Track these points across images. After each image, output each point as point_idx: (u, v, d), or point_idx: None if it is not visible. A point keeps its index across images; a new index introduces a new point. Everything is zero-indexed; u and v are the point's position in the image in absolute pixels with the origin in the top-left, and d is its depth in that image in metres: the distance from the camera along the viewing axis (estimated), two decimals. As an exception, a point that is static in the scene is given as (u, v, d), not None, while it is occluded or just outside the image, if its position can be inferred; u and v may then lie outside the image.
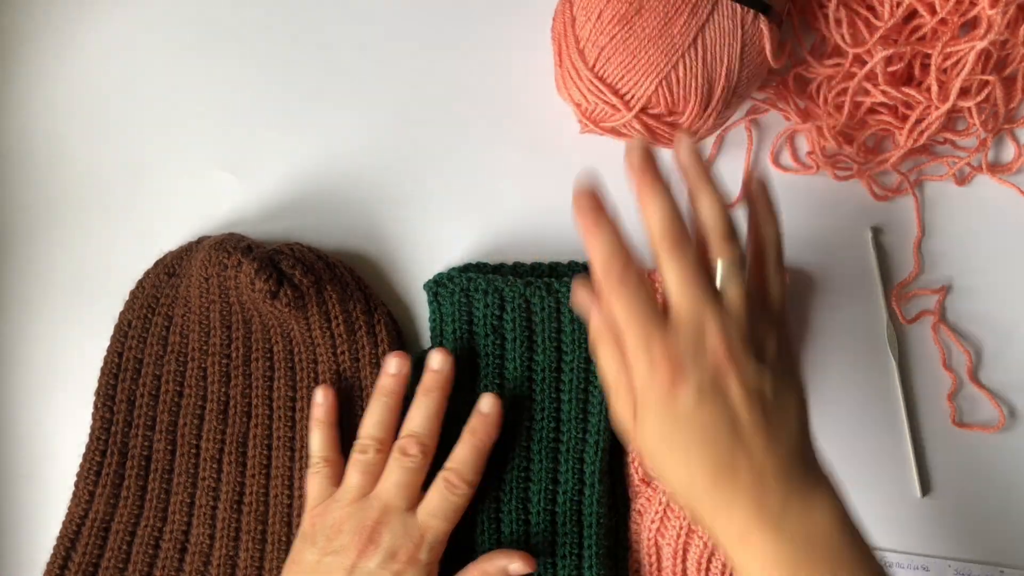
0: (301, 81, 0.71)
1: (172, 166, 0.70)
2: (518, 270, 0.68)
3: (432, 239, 0.70)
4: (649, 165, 0.53)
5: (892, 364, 0.68)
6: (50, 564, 0.67)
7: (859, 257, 0.69)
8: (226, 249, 0.64)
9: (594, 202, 0.53)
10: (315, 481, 0.64)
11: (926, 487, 0.68)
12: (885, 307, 0.69)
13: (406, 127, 0.70)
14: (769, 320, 0.53)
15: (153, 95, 0.71)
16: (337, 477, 0.64)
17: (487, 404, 0.64)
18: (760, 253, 0.55)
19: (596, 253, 0.53)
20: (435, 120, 0.70)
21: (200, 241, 0.69)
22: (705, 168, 0.55)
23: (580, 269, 0.68)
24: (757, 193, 0.56)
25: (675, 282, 0.52)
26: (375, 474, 0.63)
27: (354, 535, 0.61)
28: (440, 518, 0.61)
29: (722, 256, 0.53)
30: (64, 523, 0.68)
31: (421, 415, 0.63)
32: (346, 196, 0.70)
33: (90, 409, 0.68)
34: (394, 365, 0.65)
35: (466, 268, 0.68)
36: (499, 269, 0.68)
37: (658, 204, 0.53)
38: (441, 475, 0.62)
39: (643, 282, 0.52)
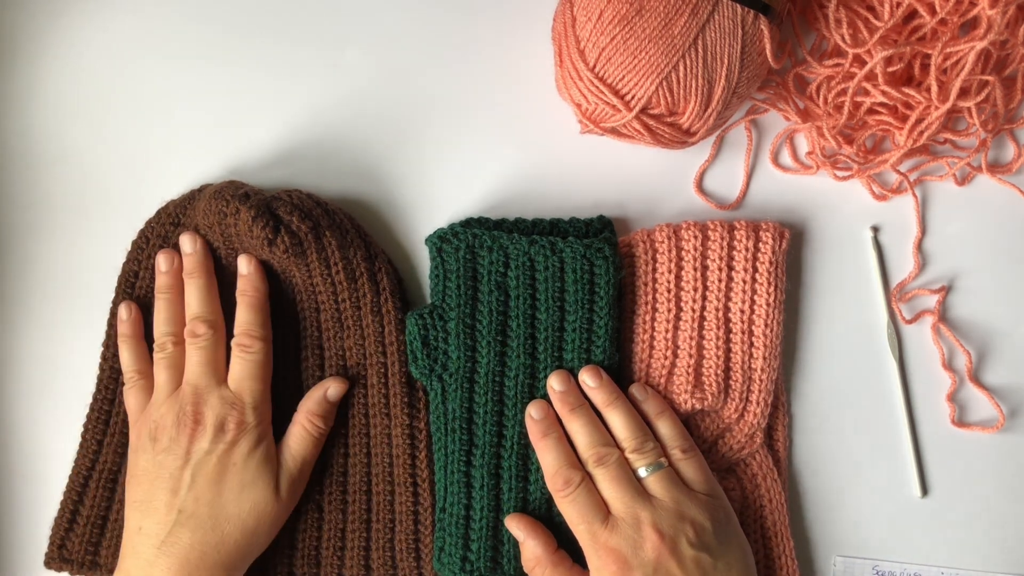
0: (305, 42, 0.71)
1: (172, 166, 0.70)
2: (519, 226, 0.67)
3: (433, 193, 0.70)
4: (570, 390, 0.63)
5: (892, 364, 0.68)
6: (58, 519, 0.66)
7: (859, 257, 0.69)
8: (224, 197, 0.64)
9: (545, 421, 0.63)
10: (132, 395, 0.66)
11: (925, 487, 0.68)
12: (885, 307, 0.69)
13: (405, 124, 0.70)
14: (696, 501, 0.61)
15: (153, 74, 0.71)
16: (152, 388, 0.66)
17: (243, 265, 0.66)
18: (664, 447, 0.63)
19: (547, 462, 0.62)
20: (433, 120, 0.70)
21: (202, 189, 0.68)
22: (612, 389, 0.64)
23: (581, 226, 0.67)
24: (641, 399, 0.64)
25: (606, 488, 0.61)
26: (180, 366, 0.65)
27: (178, 425, 0.63)
28: (249, 379, 0.64)
29: (638, 465, 0.62)
30: (71, 476, 0.67)
31: (195, 298, 0.66)
32: (350, 147, 0.70)
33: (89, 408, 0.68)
34: (164, 263, 0.67)
35: (468, 223, 0.67)
36: (501, 224, 0.67)
37: (580, 424, 0.63)
38: (232, 344, 0.65)
39: (588, 486, 0.61)
